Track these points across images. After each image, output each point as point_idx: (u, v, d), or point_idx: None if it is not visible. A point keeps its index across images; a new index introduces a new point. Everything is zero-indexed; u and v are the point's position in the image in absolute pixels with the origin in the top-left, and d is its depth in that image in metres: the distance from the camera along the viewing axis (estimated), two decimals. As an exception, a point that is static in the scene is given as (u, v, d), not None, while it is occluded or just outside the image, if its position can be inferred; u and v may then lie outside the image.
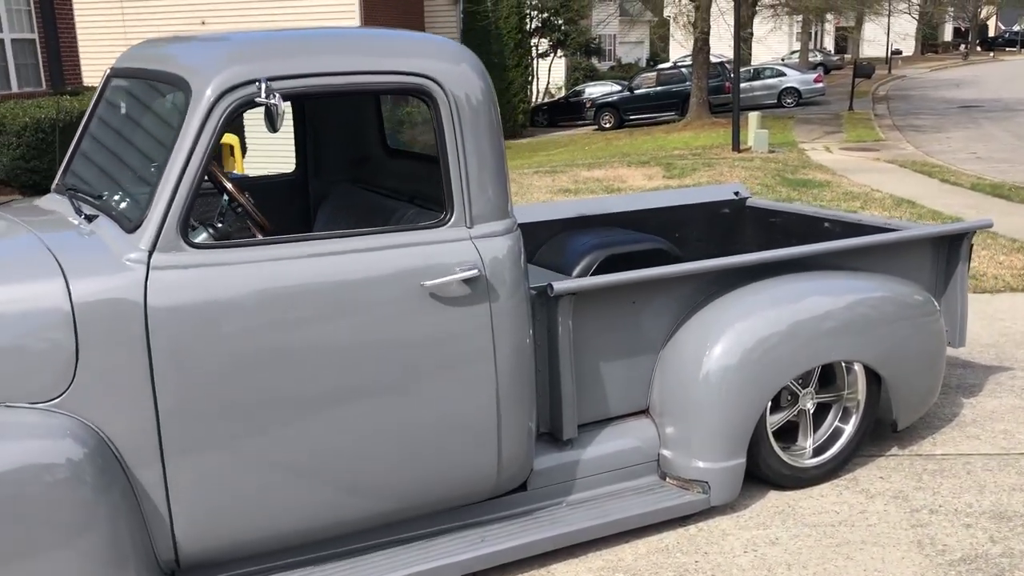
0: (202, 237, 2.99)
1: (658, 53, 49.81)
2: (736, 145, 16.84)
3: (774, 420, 3.60)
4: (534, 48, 31.48)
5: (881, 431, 3.90)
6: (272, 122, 2.58)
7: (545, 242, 4.74)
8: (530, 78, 28.98)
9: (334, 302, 2.72)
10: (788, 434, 3.73)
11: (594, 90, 30.12)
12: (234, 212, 3.01)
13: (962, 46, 62.10)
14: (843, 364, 3.69)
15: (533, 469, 3.25)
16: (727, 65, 26.07)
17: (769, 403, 3.49)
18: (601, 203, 5.08)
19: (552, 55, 33.85)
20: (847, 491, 3.61)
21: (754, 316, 3.48)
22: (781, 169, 13.66)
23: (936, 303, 3.93)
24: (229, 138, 9.92)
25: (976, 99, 26.73)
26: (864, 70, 26.74)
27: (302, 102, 3.75)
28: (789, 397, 3.67)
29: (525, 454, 3.13)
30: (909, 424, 3.90)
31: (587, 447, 3.38)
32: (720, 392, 3.37)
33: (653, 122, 26.33)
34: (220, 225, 2.98)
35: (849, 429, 3.74)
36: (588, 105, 28.08)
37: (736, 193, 5.27)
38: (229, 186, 2.93)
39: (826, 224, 4.77)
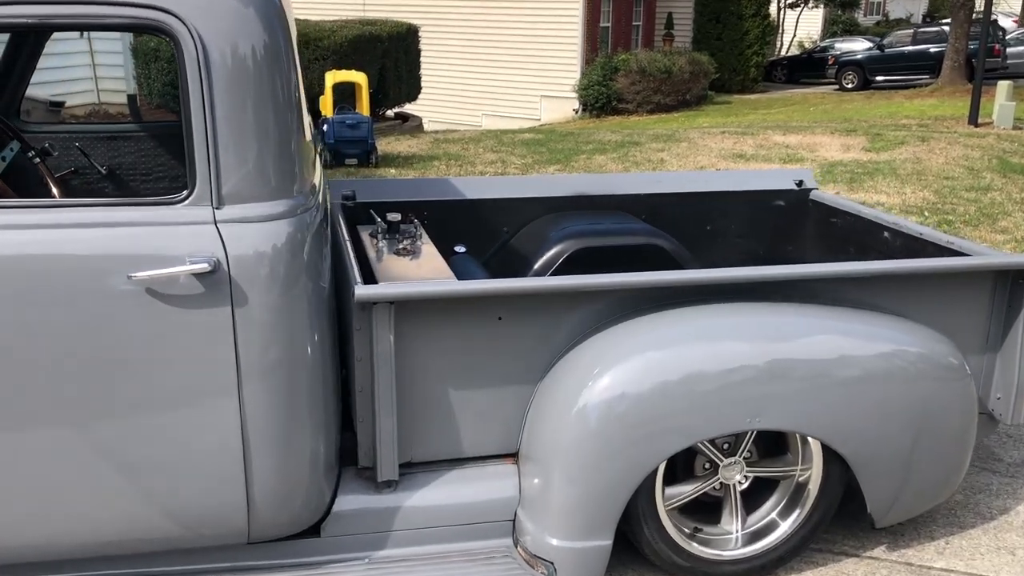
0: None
1: (938, 9, 45.03)
2: (974, 118, 14.62)
3: (676, 492, 2.73)
4: (781, -3, 29.23)
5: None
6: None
7: (528, 224, 4.01)
8: (771, 29, 26.88)
9: (10, 290, 2.19)
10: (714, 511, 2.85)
11: (843, 46, 27.53)
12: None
13: None
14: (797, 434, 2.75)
15: (331, 511, 2.62)
16: (1002, 24, 22.91)
17: (661, 469, 2.63)
18: (622, 181, 4.22)
19: (802, 5, 31.32)
20: (771, 601, 2.70)
21: (661, 352, 2.61)
22: (1012, 151, 11.63)
23: (966, 366, 2.84)
24: (356, 76, 9.66)
25: None
26: None
27: None
28: (707, 465, 2.77)
29: (304, 494, 2.50)
30: (896, 523, 2.87)
31: (416, 492, 2.69)
32: (585, 446, 2.56)
33: (903, 85, 23.69)
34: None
35: (786, 524, 2.78)
36: (831, 62, 25.69)
37: (799, 183, 4.22)
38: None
39: (885, 234, 3.68)
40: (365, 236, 3.29)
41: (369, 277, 2.81)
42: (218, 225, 2.27)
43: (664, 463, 2.62)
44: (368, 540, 2.66)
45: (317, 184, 2.66)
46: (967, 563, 2.88)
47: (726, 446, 2.75)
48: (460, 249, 3.74)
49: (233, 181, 2.28)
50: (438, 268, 2.99)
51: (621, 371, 2.59)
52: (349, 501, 2.65)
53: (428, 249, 3.20)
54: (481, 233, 3.94)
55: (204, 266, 2.22)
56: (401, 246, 3.19)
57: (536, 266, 3.65)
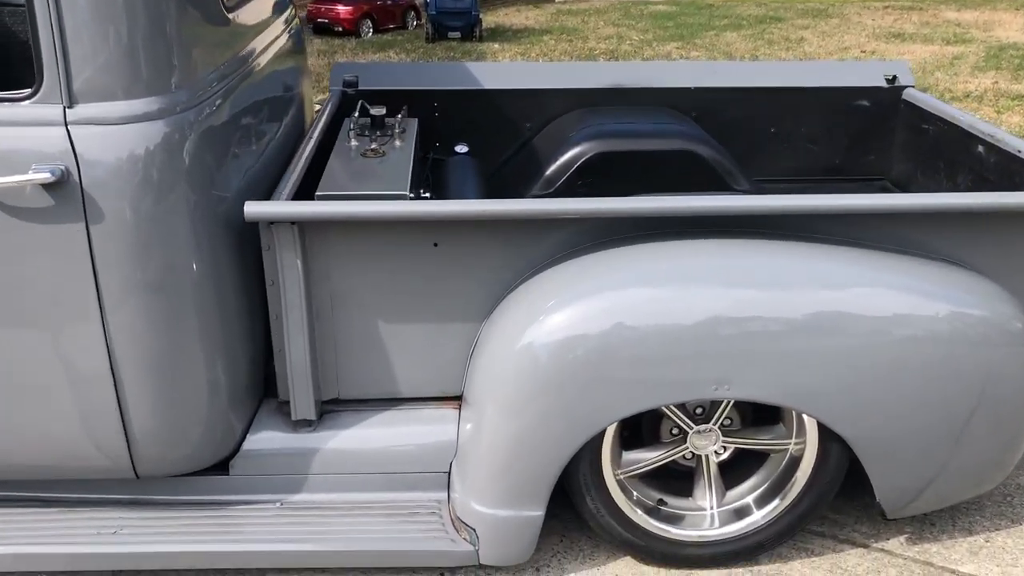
0: None
1: None
2: None
3: (636, 459, 2.31)
4: None
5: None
6: None
7: (553, 120, 3.51)
8: None
9: None
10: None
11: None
12: None
13: None
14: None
15: (241, 449, 2.35)
16: None
17: (611, 432, 2.20)
18: (672, 71, 3.61)
19: None
20: (740, 595, 2.27)
21: (614, 294, 2.15)
22: None
23: (1027, 326, 2.23)
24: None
25: None
26: None
27: None
28: (675, 431, 2.32)
29: (202, 428, 2.22)
30: (916, 514, 2.35)
31: (339, 433, 2.37)
32: (517, 397, 2.16)
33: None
34: None
35: (769, 507, 2.31)
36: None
37: (891, 79, 3.51)
38: None
39: (979, 148, 2.99)
40: (345, 132, 2.90)
41: (313, 184, 2.46)
42: (69, 127, 1.94)
43: (614, 426, 2.20)
44: (282, 482, 2.38)
45: (227, 73, 2.27)
46: (1005, 569, 2.34)
47: (699, 411, 2.29)
48: (461, 149, 3.31)
49: (88, 74, 1.93)
50: (396, 178, 2.56)
51: (570, 312, 2.14)
52: (262, 438, 2.37)
53: (401, 152, 2.78)
54: (501, 129, 3.48)
55: (47, 175, 1.91)
56: (373, 146, 2.79)
57: (548, 172, 3.19)
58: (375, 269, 2.26)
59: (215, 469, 2.36)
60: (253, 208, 2.10)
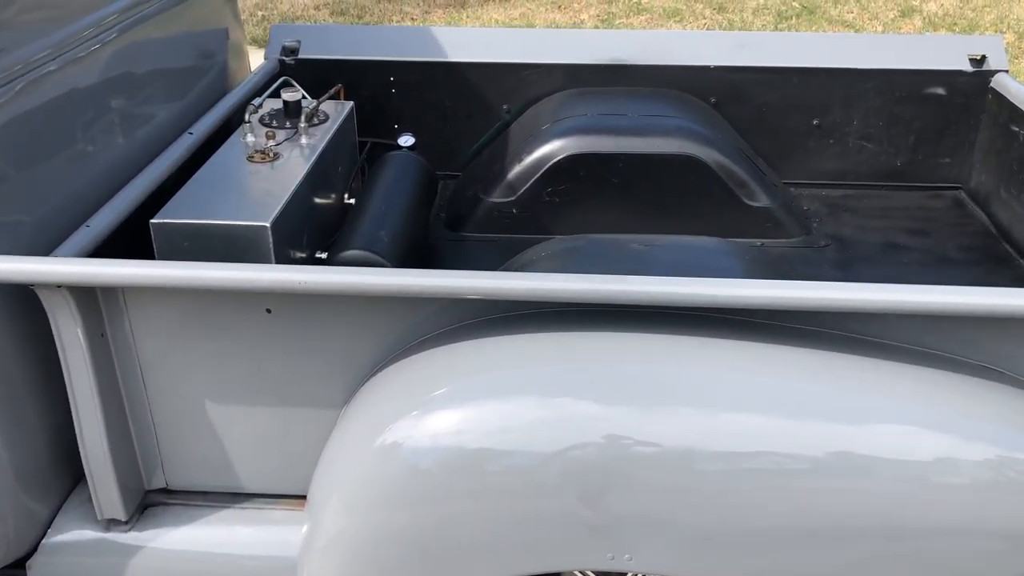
0: None
1: None
2: None
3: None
4: None
5: None
6: None
7: (534, 103, 2.86)
8: None
9: None
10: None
11: None
12: None
13: None
14: None
15: (41, 545, 1.87)
16: None
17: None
18: (690, 44, 2.85)
19: None
20: None
21: (485, 403, 1.55)
22: None
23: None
24: None
25: None
26: None
27: None
28: (580, 583, 1.72)
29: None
30: None
31: (162, 533, 1.85)
32: (352, 519, 1.61)
33: None
34: None
35: None
36: None
37: (978, 60, 2.70)
38: None
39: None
40: (251, 124, 2.32)
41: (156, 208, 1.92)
42: None
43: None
44: (89, 589, 1.90)
45: (50, 48, 1.74)
46: None
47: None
48: (406, 141, 2.69)
49: None
50: (267, 199, 1.98)
51: (437, 417, 1.56)
52: (68, 535, 1.88)
53: (302, 154, 2.20)
54: (474, 112, 2.86)
55: None
56: (267, 146, 2.22)
57: (510, 176, 2.56)
58: (193, 337, 1.72)
59: (13, 568, 1.90)
60: (9, 266, 1.56)
